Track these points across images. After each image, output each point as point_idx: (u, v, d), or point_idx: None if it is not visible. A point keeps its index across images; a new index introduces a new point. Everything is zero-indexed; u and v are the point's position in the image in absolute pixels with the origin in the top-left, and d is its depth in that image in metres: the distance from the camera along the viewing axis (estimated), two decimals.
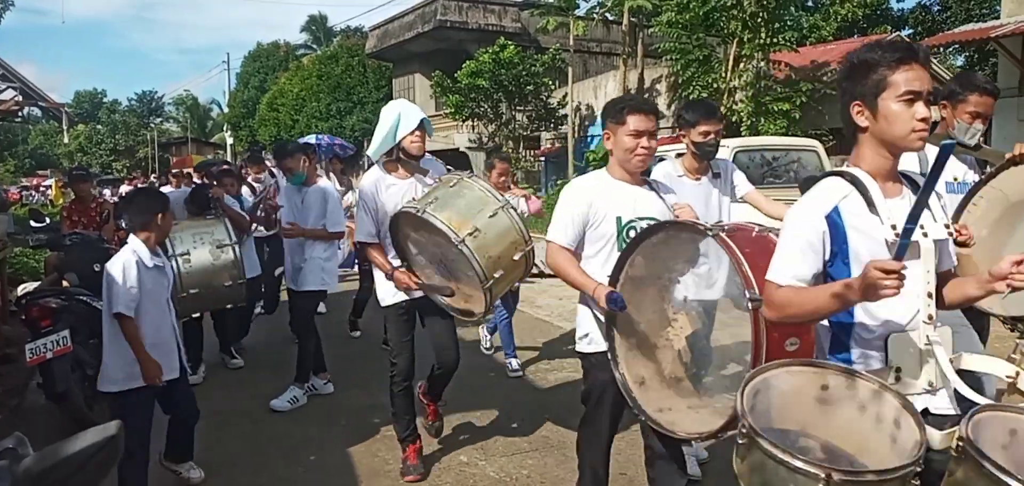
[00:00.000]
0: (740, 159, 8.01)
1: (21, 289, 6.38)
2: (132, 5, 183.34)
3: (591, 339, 2.90)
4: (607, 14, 18.42)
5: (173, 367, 3.48)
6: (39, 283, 6.76)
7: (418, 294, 3.65)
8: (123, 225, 4.36)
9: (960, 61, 21.88)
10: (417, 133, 3.61)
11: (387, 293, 3.78)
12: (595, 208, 2.82)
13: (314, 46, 41.38)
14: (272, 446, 4.40)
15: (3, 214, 9.87)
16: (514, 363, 5.70)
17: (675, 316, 2.60)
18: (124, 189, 24.39)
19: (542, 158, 20.04)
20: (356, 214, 3.77)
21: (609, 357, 2.75)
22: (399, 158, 3.69)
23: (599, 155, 16.20)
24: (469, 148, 19.82)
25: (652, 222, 2.74)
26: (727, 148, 8.25)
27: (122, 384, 3.32)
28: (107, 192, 19.49)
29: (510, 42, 18.03)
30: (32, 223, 7.26)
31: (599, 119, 18.51)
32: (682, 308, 2.58)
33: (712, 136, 3.61)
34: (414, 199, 3.38)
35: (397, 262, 3.66)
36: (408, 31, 23.62)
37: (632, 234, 2.76)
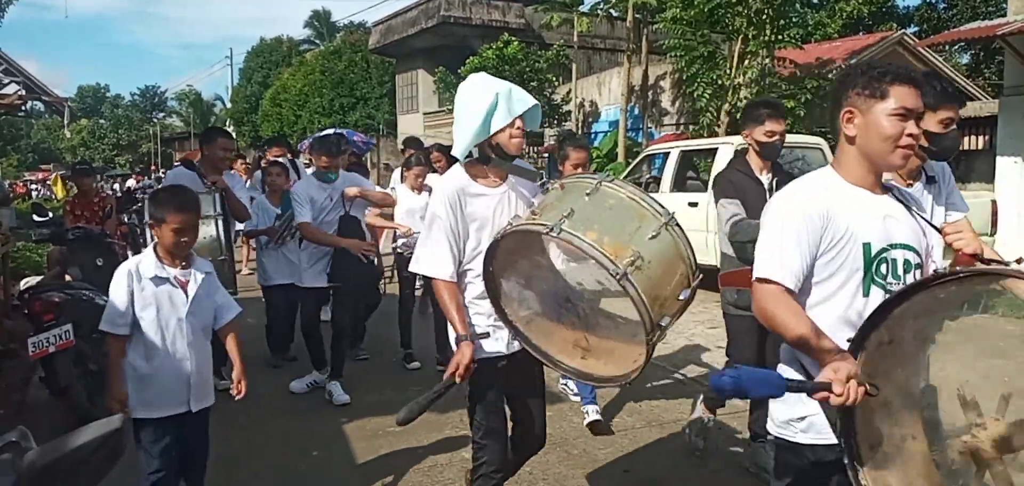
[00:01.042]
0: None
1: (24, 283, 6.37)
2: (135, 0, 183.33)
3: (810, 424, 1.94)
4: (611, 10, 18.38)
5: (179, 400, 2.91)
6: (42, 277, 6.76)
7: (517, 346, 2.70)
8: (125, 220, 4.34)
9: (966, 59, 21.82)
10: (519, 125, 2.60)
11: (480, 344, 2.72)
12: (835, 225, 1.88)
13: (317, 42, 41.36)
14: (274, 441, 4.40)
15: (6, 208, 9.88)
16: (591, 410, 4.46)
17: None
18: (131, 183, 24.40)
19: (545, 155, 20.03)
20: (423, 237, 2.73)
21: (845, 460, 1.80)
22: (490, 157, 2.66)
23: (603, 152, 16.19)
24: None
25: (909, 252, 1.91)
26: (730, 145, 8.23)
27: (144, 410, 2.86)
28: (116, 186, 19.52)
29: (514, 38, 18.01)
30: (35, 217, 7.28)
31: (602, 115, 18.50)
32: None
33: (777, 137, 3.54)
34: (532, 213, 2.43)
35: (481, 310, 2.68)
36: (411, 27, 23.59)
37: (885, 270, 1.88)
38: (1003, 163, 9.76)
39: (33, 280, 6.61)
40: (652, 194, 2.45)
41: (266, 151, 8.01)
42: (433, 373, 5.81)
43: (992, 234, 7.57)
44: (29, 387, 5.16)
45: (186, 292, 2.91)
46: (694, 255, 2.30)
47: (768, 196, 3.42)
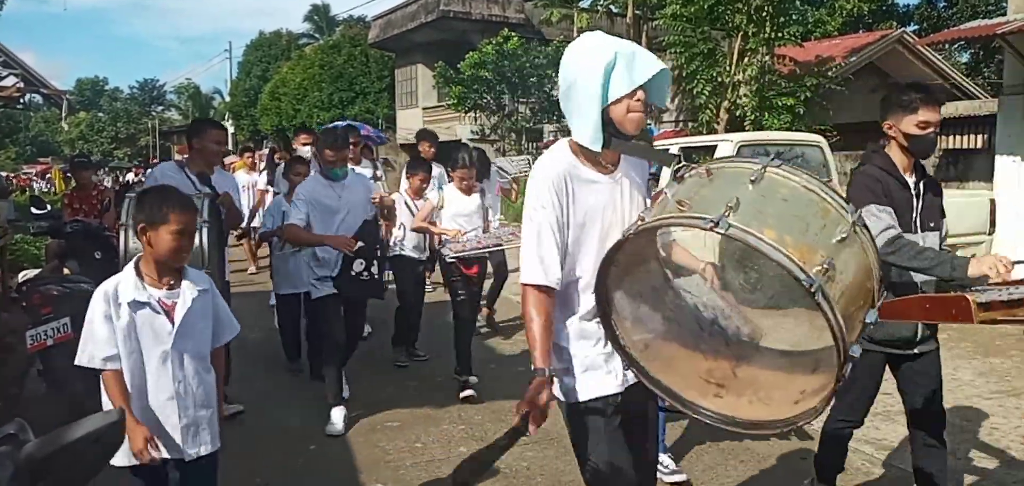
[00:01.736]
0: (744, 154, 7.98)
1: (22, 276, 6.37)
2: None
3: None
4: (611, 7, 18.35)
5: (170, 449, 2.44)
6: (40, 270, 6.74)
7: (632, 379, 2.15)
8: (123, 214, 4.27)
9: (965, 58, 21.83)
10: (640, 96, 2.02)
11: (585, 380, 2.18)
12: None
13: (316, 35, 41.27)
14: (271, 437, 4.40)
15: (4, 201, 9.86)
16: (667, 461, 3.77)
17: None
18: (130, 177, 24.34)
19: (544, 150, 20.03)
20: (526, 238, 2.09)
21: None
22: (607, 137, 2.05)
23: None
24: (471, 140, 19.79)
25: None
26: (730, 143, 8.23)
27: (125, 457, 2.34)
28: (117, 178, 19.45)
29: (513, 33, 17.97)
30: (33, 210, 7.26)
31: None
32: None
33: (932, 130, 2.83)
34: (679, 203, 1.82)
35: (586, 333, 2.15)
36: (411, 21, 23.54)
37: None
38: (1002, 162, 9.76)
39: (31, 273, 6.60)
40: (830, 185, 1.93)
41: (294, 141, 7.22)
42: (441, 375, 5.81)
43: (991, 233, 7.58)
44: (27, 380, 5.15)
45: (172, 318, 2.43)
46: (881, 266, 1.86)
47: (917, 203, 2.88)
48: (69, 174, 14.73)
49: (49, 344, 4.29)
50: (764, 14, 12.07)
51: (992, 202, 7.64)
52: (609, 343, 2.10)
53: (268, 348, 6.23)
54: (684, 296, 2.12)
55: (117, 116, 50.77)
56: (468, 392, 4.96)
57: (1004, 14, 10.50)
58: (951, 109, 13.15)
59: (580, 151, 2.13)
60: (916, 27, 21.47)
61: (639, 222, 1.89)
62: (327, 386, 4.56)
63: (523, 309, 2.08)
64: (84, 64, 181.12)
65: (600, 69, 2.00)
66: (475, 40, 19.46)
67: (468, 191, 5.37)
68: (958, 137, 12.01)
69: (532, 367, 2.03)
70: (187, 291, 2.47)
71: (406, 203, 5.83)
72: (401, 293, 5.86)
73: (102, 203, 7.07)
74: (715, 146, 8.88)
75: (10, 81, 19.69)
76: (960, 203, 7.63)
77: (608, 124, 2.03)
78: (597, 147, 2.03)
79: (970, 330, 6.50)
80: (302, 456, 4.12)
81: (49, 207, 7.98)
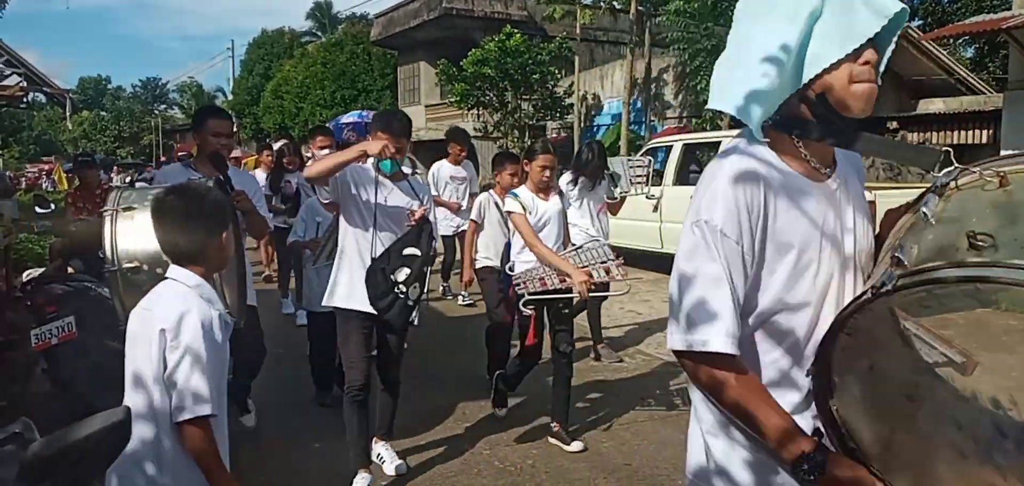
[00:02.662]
0: None
1: (26, 275, 6.37)
2: None
3: None
4: (614, 3, 18.32)
5: None
6: (44, 269, 6.75)
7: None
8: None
9: (970, 53, 21.74)
10: (870, 56, 1.27)
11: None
12: None
13: (319, 33, 41.30)
14: (275, 435, 4.39)
15: (8, 200, 9.87)
16: None
17: None
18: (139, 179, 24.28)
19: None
20: (690, 283, 1.32)
21: None
22: (808, 123, 1.34)
23: (605, 145, 16.15)
24: (474, 137, 19.78)
25: None
26: (734, 139, 8.20)
27: None
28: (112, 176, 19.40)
29: (516, 30, 17.95)
30: (37, 209, 7.27)
31: (605, 108, 18.46)
32: None
33: None
34: (973, 241, 1.06)
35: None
36: (413, 19, 23.54)
37: None
38: None
39: (35, 272, 6.60)
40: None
41: (311, 143, 6.47)
42: (453, 385, 5.79)
43: None
44: (32, 379, 5.16)
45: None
46: None
47: None
48: (72, 172, 14.73)
49: (54, 343, 4.29)
50: None
51: None
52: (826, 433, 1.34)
53: (293, 372, 5.42)
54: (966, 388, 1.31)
55: (120, 115, 50.81)
56: (576, 446, 4.09)
57: (1010, 8, 10.46)
58: (956, 105, 13.11)
59: (777, 149, 1.39)
60: (920, 22, 21.37)
61: (894, 265, 1.13)
62: (348, 440, 3.63)
63: (724, 394, 1.32)
64: (87, 63, 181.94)
65: (797, 26, 1.27)
66: (478, 37, 19.44)
67: (547, 192, 4.23)
68: (964, 132, 11.98)
69: (802, 463, 1.25)
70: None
71: (497, 204, 4.94)
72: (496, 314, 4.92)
73: (105, 201, 7.08)
74: (719, 143, 8.88)
75: (13, 80, 19.73)
76: None
77: (819, 101, 1.31)
78: (756, 126, 1.33)
79: (977, 326, 6.43)
80: (305, 453, 4.10)
81: (53, 206, 7.98)
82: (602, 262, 4.06)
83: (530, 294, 3.98)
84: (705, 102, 13.13)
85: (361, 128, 10.88)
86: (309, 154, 5.84)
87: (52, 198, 11.72)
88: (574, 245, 4.34)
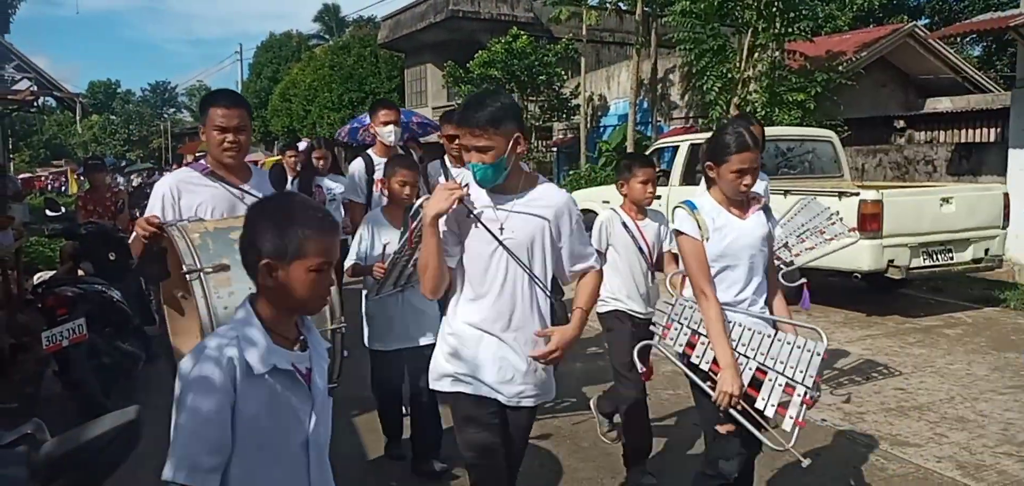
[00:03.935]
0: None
1: (37, 278, 6.44)
2: None
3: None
4: (620, 4, 18.30)
5: None
6: (55, 272, 6.82)
7: None
8: (136, 215, 4.22)
9: (977, 51, 21.62)
10: None
11: None
12: None
13: (326, 36, 41.45)
14: None
15: (19, 203, 9.95)
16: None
17: None
18: (140, 180, 24.45)
19: (554, 149, 20.00)
20: None
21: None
22: None
23: (612, 145, 16.13)
24: None
25: None
26: None
27: None
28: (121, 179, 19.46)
29: (522, 32, 17.97)
30: (47, 212, 7.35)
31: (611, 109, 18.44)
32: None
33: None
34: None
35: None
36: (420, 21, 23.59)
37: None
38: (1015, 155, 9.67)
39: (46, 274, 6.67)
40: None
41: (372, 120, 4.75)
42: None
43: (1004, 227, 7.49)
44: (43, 380, 5.21)
45: (311, 389, 1.66)
46: None
47: None
48: (82, 176, 14.83)
49: (65, 345, 4.34)
50: (774, 9, 12.01)
51: (1006, 196, 7.55)
52: None
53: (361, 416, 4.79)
54: None
55: (129, 118, 51.17)
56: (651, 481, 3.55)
57: (1017, 6, 10.40)
58: (963, 103, 13.06)
59: None
60: (927, 21, 21.28)
61: None
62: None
63: None
64: (96, 67, 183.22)
65: None
66: (484, 39, 19.46)
67: (742, 206, 2.77)
68: (971, 131, 11.93)
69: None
70: (314, 348, 1.70)
71: (625, 224, 3.70)
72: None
73: (116, 205, 7.13)
74: None
75: (24, 85, 19.87)
76: (973, 197, 7.54)
77: None
78: None
79: (985, 325, 6.45)
80: None
81: (63, 209, 8.06)
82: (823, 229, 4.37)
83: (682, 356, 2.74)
84: (711, 102, 13.14)
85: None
86: (372, 130, 4.76)
87: (62, 201, 11.80)
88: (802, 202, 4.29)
